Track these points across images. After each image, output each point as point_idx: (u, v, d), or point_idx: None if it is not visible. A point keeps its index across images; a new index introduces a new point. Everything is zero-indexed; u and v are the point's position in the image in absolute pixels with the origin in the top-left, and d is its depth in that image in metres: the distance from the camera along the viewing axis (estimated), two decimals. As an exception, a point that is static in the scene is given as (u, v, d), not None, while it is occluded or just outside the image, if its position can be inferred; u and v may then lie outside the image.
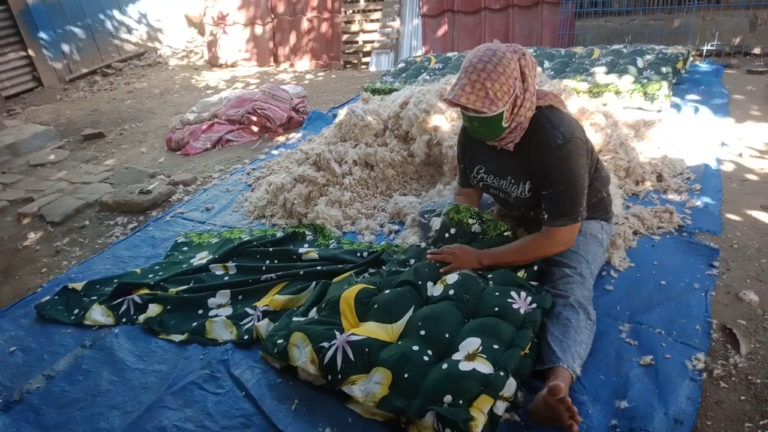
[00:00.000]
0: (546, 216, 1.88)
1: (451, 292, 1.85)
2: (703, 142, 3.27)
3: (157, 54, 8.62)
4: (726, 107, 3.88)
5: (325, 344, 1.71)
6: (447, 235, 2.14)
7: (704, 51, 5.47)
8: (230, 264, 2.46)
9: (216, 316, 2.14)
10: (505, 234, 2.08)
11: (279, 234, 2.68)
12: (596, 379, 1.68)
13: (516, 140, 1.87)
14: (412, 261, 2.09)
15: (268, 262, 2.46)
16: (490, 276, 1.96)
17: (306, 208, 2.89)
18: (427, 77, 4.68)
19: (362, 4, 7.03)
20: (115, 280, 2.39)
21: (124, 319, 2.18)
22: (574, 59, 4.64)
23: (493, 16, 6.25)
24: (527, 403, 1.58)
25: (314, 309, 1.98)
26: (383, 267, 2.20)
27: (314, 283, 2.18)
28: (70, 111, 6.14)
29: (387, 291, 1.91)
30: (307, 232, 2.71)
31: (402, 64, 5.34)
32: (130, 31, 8.42)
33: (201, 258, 2.56)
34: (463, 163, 2.19)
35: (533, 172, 1.88)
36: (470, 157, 2.12)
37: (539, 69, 4.11)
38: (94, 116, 5.83)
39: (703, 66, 4.96)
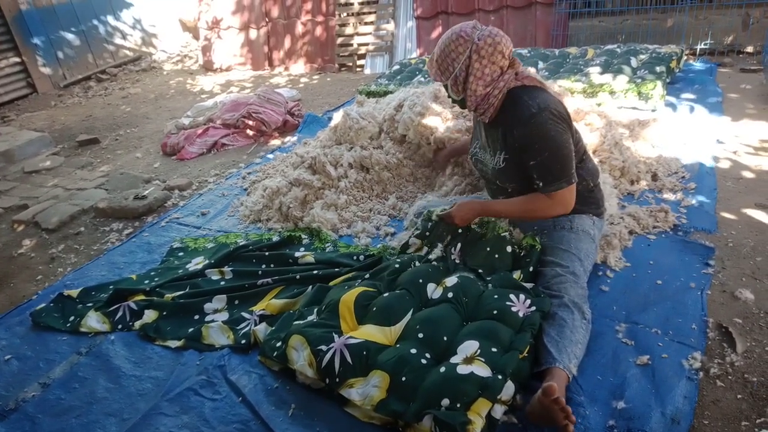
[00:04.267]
0: (541, 184, 1.93)
1: (450, 294, 1.85)
2: (697, 141, 3.28)
3: (152, 59, 8.61)
4: (720, 106, 3.89)
5: (323, 347, 1.71)
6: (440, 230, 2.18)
7: (698, 50, 5.49)
8: (226, 269, 2.45)
9: (212, 321, 2.13)
10: (503, 234, 2.08)
11: (275, 238, 2.68)
12: (593, 379, 1.68)
13: (488, 113, 1.99)
14: (416, 263, 2.09)
15: (264, 266, 2.45)
16: (489, 279, 1.96)
17: (302, 211, 2.89)
18: (422, 79, 4.68)
19: (356, 7, 7.03)
20: (111, 287, 2.38)
21: (119, 326, 2.17)
22: (568, 60, 4.66)
23: (486, 17, 6.26)
24: (525, 405, 1.57)
25: (314, 311, 1.97)
26: (382, 265, 2.19)
27: (310, 287, 2.18)
28: (65, 117, 6.12)
29: (386, 294, 1.91)
30: (303, 236, 2.71)
31: (397, 67, 5.35)
32: (124, 36, 8.41)
33: (197, 263, 2.55)
34: None
35: (511, 143, 1.96)
36: (473, 134, 2.30)
37: (532, 69, 4.11)
38: (89, 122, 5.82)
39: (697, 65, 4.98)
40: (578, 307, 1.78)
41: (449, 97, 2.06)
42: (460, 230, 2.13)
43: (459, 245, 2.11)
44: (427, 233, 2.22)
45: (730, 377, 1.66)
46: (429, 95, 3.19)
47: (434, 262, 2.08)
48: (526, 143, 1.89)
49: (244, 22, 7.51)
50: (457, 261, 2.08)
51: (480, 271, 2.01)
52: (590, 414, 1.56)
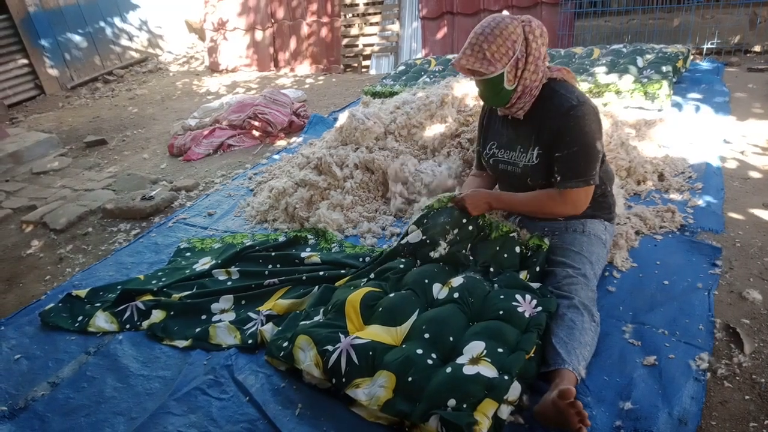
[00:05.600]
0: (559, 178, 1.89)
1: (456, 295, 1.85)
2: (704, 141, 3.26)
3: (158, 60, 8.66)
4: (727, 105, 3.87)
5: (330, 347, 1.71)
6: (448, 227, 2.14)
7: (704, 49, 5.46)
8: (233, 269, 2.46)
9: (219, 321, 2.15)
10: (510, 234, 2.08)
11: (281, 238, 2.69)
12: (600, 380, 1.68)
13: (526, 107, 1.92)
14: (418, 262, 2.09)
15: (270, 266, 2.46)
16: (495, 279, 1.96)
17: (308, 212, 2.89)
18: (428, 79, 4.68)
19: (361, 8, 7.04)
20: (119, 287, 2.40)
21: (127, 326, 2.19)
22: (574, 59, 4.64)
23: (492, 17, 6.26)
24: (532, 405, 1.57)
25: (320, 311, 1.98)
26: (387, 265, 2.18)
27: (317, 287, 2.18)
28: (72, 118, 6.17)
29: (392, 294, 1.92)
30: (309, 237, 2.72)
31: (402, 67, 5.35)
32: (131, 37, 8.46)
33: (204, 263, 2.57)
34: (479, 145, 2.26)
35: (545, 136, 1.90)
36: (486, 136, 2.19)
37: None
38: (96, 123, 5.86)
39: (704, 64, 4.96)
40: (587, 310, 1.77)
41: (489, 94, 1.90)
42: (467, 223, 2.11)
43: (469, 246, 2.11)
44: (425, 220, 2.16)
45: (737, 378, 1.65)
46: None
47: (440, 263, 2.07)
48: (560, 134, 1.85)
49: (250, 23, 7.54)
50: (470, 256, 2.07)
51: (491, 269, 2.00)
52: (597, 414, 1.56)
